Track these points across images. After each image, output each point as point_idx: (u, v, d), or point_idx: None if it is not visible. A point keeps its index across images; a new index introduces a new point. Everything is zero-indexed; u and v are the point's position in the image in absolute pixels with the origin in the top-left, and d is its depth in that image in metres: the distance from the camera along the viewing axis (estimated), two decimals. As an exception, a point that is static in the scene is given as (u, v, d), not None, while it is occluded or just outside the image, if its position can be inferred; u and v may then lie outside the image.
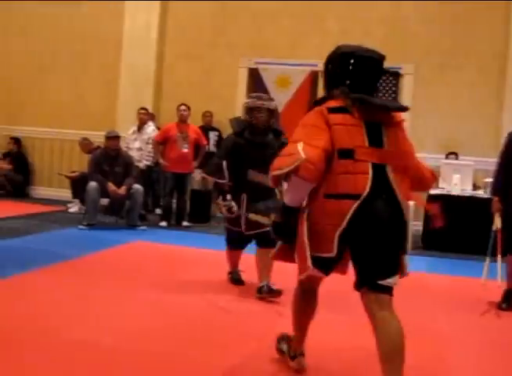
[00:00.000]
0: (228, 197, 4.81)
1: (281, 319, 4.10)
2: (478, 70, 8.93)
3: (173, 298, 4.52)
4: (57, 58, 10.62)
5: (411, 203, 3.16)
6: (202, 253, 6.43)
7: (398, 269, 2.89)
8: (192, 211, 8.80)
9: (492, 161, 8.57)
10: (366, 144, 2.83)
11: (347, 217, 2.71)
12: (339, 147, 2.79)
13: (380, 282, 2.77)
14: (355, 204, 2.71)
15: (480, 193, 7.79)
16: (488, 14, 8.90)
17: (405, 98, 9.22)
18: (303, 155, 2.68)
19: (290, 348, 3.26)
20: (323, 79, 3.14)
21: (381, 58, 3.17)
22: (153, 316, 4.03)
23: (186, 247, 6.70)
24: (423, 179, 3.28)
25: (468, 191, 7.75)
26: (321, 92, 4.21)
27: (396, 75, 4.02)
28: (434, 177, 3.41)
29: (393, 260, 2.85)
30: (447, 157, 8.52)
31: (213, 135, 9.47)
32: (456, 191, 7.69)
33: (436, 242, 7.57)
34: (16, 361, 3.05)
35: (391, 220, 2.78)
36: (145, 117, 8.98)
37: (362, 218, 2.72)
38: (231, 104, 9.73)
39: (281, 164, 2.78)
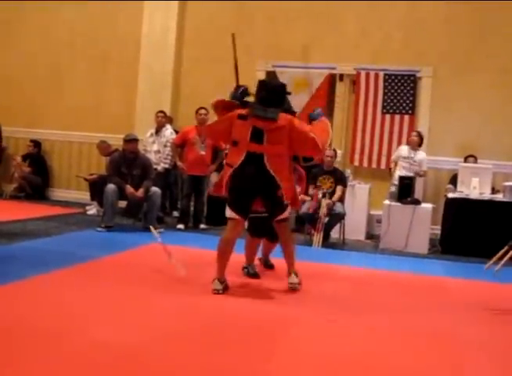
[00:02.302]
0: None
1: (296, 322, 4.10)
2: (498, 72, 8.83)
3: (190, 300, 4.53)
4: (76, 61, 10.73)
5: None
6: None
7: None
8: (210, 214, 8.82)
9: (511, 164, 8.57)
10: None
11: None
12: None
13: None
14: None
15: (499, 196, 7.72)
16: (507, 14, 8.81)
17: (423, 101, 9.18)
18: None
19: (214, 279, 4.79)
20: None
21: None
22: (170, 317, 4.04)
23: (204, 249, 6.70)
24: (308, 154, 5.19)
25: (487, 195, 7.67)
26: (339, 94, 4.42)
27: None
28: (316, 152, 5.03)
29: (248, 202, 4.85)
30: (466, 160, 8.40)
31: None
32: (474, 195, 7.62)
33: (454, 246, 7.51)
34: (34, 362, 3.07)
35: (253, 177, 4.75)
36: (163, 120, 9.03)
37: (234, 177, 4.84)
38: (248, 107, 9.74)
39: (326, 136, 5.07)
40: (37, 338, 3.41)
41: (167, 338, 3.61)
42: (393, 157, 8.76)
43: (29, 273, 4.87)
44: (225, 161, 5.11)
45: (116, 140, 9.02)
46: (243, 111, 4.86)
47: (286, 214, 5.09)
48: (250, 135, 4.77)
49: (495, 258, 5.10)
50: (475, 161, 8.35)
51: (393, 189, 8.35)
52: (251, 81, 9.60)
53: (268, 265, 5.94)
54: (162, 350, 3.38)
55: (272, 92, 4.93)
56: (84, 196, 9.85)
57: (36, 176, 10.57)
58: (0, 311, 3.86)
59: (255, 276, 5.46)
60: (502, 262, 4.98)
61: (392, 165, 8.76)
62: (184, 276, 5.04)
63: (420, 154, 8.50)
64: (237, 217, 4.89)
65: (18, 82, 10.92)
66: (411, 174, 8.23)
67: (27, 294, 4.36)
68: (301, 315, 4.31)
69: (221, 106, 5.15)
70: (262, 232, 5.30)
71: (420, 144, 8.53)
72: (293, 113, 5.23)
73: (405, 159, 8.43)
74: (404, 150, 8.49)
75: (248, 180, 4.78)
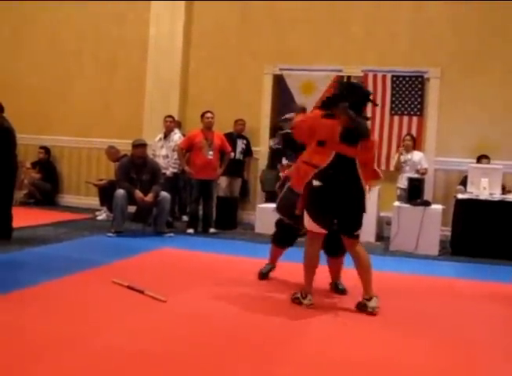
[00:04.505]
0: None
1: (307, 327, 4.10)
2: (507, 72, 8.79)
3: (202, 305, 4.52)
4: (83, 67, 10.78)
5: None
6: (230, 260, 6.43)
7: None
8: (219, 218, 8.83)
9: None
10: None
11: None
12: None
13: None
14: None
15: (509, 197, 7.67)
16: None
17: (431, 102, 9.15)
18: None
19: (302, 291, 4.56)
20: None
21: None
22: (180, 322, 4.04)
23: (214, 253, 6.72)
24: None
25: (497, 195, 7.63)
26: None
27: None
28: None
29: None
30: (478, 160, 8.33)
31: (241, 143, 9.48)
32: (484, 196, 7.58)
33: (464, 247, 7.47)
34: (48, 367, 3.08)
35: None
36: (171, 124, 9.06)
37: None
38: (257, 111, 9.77)
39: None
40: (50, 343, 3.42)
41: (179, 343, 3.61)
42: (394, 163, 8.79)
43: (41, 279, 4.90)
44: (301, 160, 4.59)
45: (124, 145, 9.04)
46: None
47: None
48: (343, 136, 4.38)
49: None
50: (488, 162, 8.26)
51: (398, 192, 8.45)
52: (260, 84, 9.78)
53: (339, 290, 5.13)
54: (174, 355, 3.38)
55: (364, 99, 4.58)
56: (94, 201, 9.88)
57: (45, 182, 10.62)
58: (13, 317, 3.88)
59: (264, 276, 5.50)
60: None
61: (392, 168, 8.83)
62: (165, 301, 4.47)
63: (417, 154, 8.61)
64: (320, 230, 4.53)
65: (27, 89, 10.97)
66: (414, 175, 8.30)
67: (39, 299, 4.38)
68: (311, 320, 4.31)
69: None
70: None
71: (413, 146, 8.61)
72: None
73: (404, 164, 8.52)
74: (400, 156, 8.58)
75: (335, 187, 4.41)
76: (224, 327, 3.99)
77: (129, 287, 4.77)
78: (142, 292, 4.65)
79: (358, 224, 4.55)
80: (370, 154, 4.56)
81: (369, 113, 9.20)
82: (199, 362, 3.30)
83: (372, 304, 4.44)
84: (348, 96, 4.38)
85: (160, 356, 3.35)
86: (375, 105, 5.62)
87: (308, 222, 4.51)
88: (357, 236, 4.60)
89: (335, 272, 5.13)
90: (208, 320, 4.13)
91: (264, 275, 5.52)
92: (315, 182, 4.36)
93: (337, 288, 5.11)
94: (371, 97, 4.66)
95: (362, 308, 4.49)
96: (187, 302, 4.55)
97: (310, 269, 4.58)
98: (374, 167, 4.62)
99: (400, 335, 4.00)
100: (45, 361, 3.16)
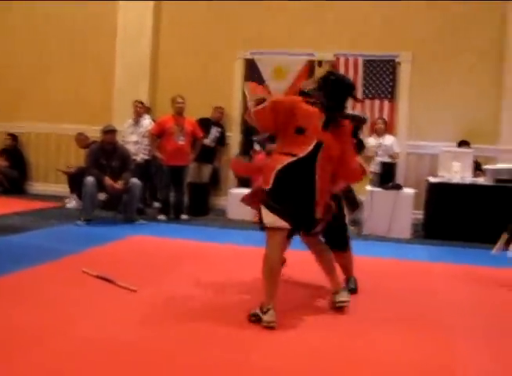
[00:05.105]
0: None
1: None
2: (477, 57, 8.81)
3: (173, 294, 4.46)
4: (53, 53, 10.59)
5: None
6: (202, 246, 6.37)
7: None
8: (191, 204, 8.74)
9: (492, 148, 8.58)
10: None
11: None
12: None
13: None
14: None
15: (480, 180, 7.74)
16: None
17: (402, 86, 9.14)
18: None
19: (262, 306, 3.76)
20: None
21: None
22: (154, 311, 3.97)
23: (186, 240, 6.64)
24: None
25: (468, 179, 7.68)
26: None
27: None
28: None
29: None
30: (459, 146, 8.40)
31: (215, 131, 9.35)
32: (456, 179, 7.63)
33: (437, 230, 7.53)
34: (19, 360, 3.00)
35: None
36: (141, 110, 8.92)
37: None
38: (228, 96, 9.66)
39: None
40: (18, 335, 3.32)
41: (152, 333, 3.55)
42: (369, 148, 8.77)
43: (9, 269, 4.77)
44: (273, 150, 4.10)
45: (95, 132, 8.87)
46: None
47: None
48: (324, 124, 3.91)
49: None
50: (468, 148, 8.29)
51: (371, 176, 8.45)
52: (231, 69, 9.67)
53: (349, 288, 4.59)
54: (147, 345, 3.31)
55: (344, 92, 4.07)
56: (64, 189, 9.70)
57: (13, 170, 10.40)
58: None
59: None
60: (497, 245, 5.05)
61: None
62: (136, 290, 4.36)
63: (388, 138, 8.63)
64: (282, 223, 3.79)
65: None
66: (386, 160, 8.30)
67: (7, 290, 4.27)
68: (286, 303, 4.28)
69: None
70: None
71: (385, 130, 8.60)
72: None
73: (375, 148, 8.48)
74: (371, 140, 8.51)
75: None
76: (192, 317, 3.91)
77: (99, 277, 4.68)
78: (112, 282, 4.56)
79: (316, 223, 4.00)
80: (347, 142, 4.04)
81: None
82: (175, 351, 3.25)
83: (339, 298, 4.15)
84: (333, 93, 3.97)
85: (133, 346, 3.29)
86: (357, 100, 5.24)
87: (266, 216, 3.82)
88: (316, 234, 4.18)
89: (345, 268, 4.69)
90: (187, 308, 4.06)
91: None
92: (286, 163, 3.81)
93: (347, 285, 4.58)
94: (354, 92, 4.26)
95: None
96: (158, 292, 4.45)
97: (271, 276, 3.81)
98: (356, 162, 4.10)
99: (373, 321, 3.98)
100: (13, 353, 3.07)
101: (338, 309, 4.13)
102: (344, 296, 4.17)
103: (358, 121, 4.22)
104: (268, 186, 3.79)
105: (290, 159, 3.79)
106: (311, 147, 3.81)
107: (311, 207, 3.85)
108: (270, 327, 3.66)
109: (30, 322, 3.59)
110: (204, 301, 4.29)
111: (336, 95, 3.97)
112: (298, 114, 3.87)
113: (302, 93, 4.19)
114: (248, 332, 3.64)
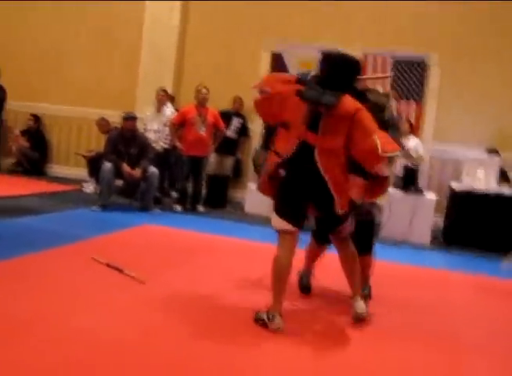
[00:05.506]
0: None
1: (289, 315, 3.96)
2: (509, 60, 8.57)
3: (182, 288, 4.37)
4: (79, 37, 10.57)
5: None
6: (215, 240, 6.28)
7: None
8: (209, 196, 8.66)
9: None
10: None
11: None
12: None
13: None
14: None
15: (505, 189, 7.54)
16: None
17: (431, 88, 8.94)
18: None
19: (268, 311, 3.61)
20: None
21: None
22: (159, 305, 3.88)
23: (199, 232, 6.56)
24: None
25: (493, 187, 7.48)
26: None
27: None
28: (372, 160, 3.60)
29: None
30: (488, 153, 8.10)
31: (236, 122, 9.24)
32: (479, 187, 7.44)
33: (457, 237, 7.36)
34: (20, 346, 2.94)
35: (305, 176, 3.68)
36: (164, 98, 8.82)
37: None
38: (253, 89, 9.52)
39: (394, 148, 3.57)
40: (20, 322, 3.27)
41: (153, 330, 3.46)
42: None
43: (18, 252, 4.73)
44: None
45: (117, 117, 8.81)
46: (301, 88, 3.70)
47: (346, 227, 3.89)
48: (308, 120, 3.64)
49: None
50: (498, 156, 7.98)
51: (392, 179, 8.24)
52: (257, 62, 9.54)
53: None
54: (146, 343, 3.23)
55: (336, 69, 3.74)
56: (83, 172, 9.67)
57: (34, 151, 10.39)
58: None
59: (305, 290, 4.55)
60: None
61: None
62: (144, 282, 4.28)
63: (412, 141, 8.36)
64: (290, 227, 3.67)
65: (20, 55, 10.75)
66: (408, 164, 8.10)
67: (14, 273, 4.22)
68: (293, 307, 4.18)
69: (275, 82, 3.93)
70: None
71: (410, 132, 8.39)
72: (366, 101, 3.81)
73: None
74: None
75: (299, 178, 3.69)
76: (198, 315, 3.82)
77: (108, 266, 4.61)
78: (121, 271, 4.49)
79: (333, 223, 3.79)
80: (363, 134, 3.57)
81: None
82: (174, 346, 3.17)
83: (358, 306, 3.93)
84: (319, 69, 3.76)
85: (127, 340, 3.21)
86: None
87: (273, 219, 3.73)
88: (342, 236, 3.90)
89: (362, 273, 4.21)
90: (184, 308, 3.96)
91: (305, 287, 4.57)
92: (281, 171, 3.73)
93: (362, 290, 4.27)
94: (358, 66, 3.97)
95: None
96: (167, 286, 4.35)
97: (279, 280, 3.65)
98: (373, 137, 3.52)
99: (384, 330, 3.87)
100: (14, 340, 3.01)
101: (356, 321, 3.90)
102: (359, 308, 3.91)
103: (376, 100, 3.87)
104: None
105: (276, 160, 3.72)
106: (294, 147, 3.62)
107: (329, 202, 3.64)
108: (279, 332, 3.54)
109: (25, 308, 3.52)
110: (213, 298, 4.19)
111: (333, 75, 3.69)
112: (288, 107, 3.70)
113: (299, 81, 3.83)
114: (255, 330, 3.54)
